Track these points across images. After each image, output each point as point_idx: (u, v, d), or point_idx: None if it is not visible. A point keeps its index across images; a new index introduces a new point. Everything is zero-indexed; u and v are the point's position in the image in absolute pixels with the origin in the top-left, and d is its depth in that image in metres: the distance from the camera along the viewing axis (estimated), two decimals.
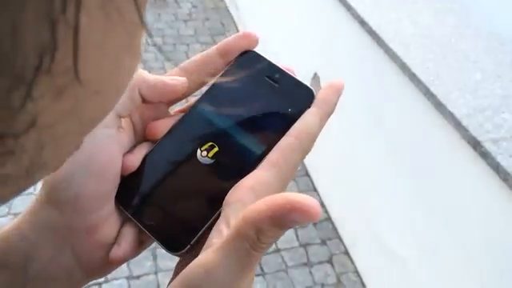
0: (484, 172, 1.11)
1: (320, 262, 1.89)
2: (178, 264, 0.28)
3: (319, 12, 2.03)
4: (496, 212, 1.14)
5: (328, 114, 0.29)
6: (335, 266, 1.87)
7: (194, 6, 3.36)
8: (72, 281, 0.29)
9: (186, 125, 0.31)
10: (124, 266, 1.79)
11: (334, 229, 2.00)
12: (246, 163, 0.28)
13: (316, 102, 0.29)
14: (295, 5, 2.30)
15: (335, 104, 0.29)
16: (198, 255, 0.24)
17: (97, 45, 0.13)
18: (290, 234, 1.96)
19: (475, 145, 1.12)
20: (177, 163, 0.30)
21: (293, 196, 0.22)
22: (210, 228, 0.26)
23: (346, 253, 1.92)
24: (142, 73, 0.30)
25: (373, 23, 1.54)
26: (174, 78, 0.30)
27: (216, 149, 0.29)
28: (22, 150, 0.13)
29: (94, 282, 1.71)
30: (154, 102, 0.30)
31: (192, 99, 0.33)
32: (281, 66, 0.31)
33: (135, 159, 0.29)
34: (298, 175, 2.20)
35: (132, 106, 0.29)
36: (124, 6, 0.13)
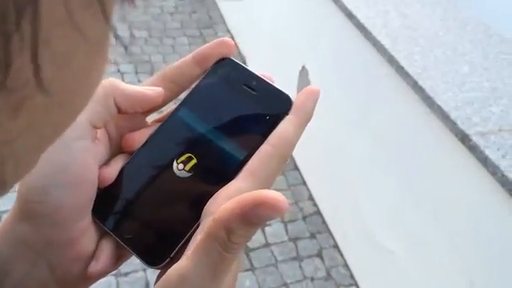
0: (472, 165, 1.11)
1: (309, 256, 1.89)
2: (158, 277, 0.27)
3: (307, 5, 2.01)
4: (484, 205, 1.15)
5: (306, 120, 0.29)
6: (325, 260, 1.88)
7: None
8: None
9: (162, 135, 0.30)
10: None
11: (324, 223, 2.00)
12: (224, 173, 0.28)
13: (293, 109, 0.29)
14: None
15: (312, 110, 0.29)
16: None
17: (60, 55, 0.13)
18: (279, 228, 1.96)
19: (463, 138, 1.12)
20: (153, 176, 0.29)
21: (259, 192, 0.23)
22: (189, 240, 0.26)
23: (336, 246, 1.92)
24: (116, 82, 0.29)
25: (360, 16, 1.53)
26: (149, 88, 0.30)
27: (194, 161, 0.29)
28: None
29: None
30: (129, 113, 0.29)
31: (169, 108, 0.32)
32: (258, 74, 0.30)
33: (111, 172, 0.29)
34: (288, 169, 2.19)
35: (107, 116, 0.28)
36: (89, 15, 0.13)
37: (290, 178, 2.16)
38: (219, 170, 0.28)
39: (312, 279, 1.82)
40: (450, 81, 1.27)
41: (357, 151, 1.71)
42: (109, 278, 1.72)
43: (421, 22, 1.53)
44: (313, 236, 1.95)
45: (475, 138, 1.09)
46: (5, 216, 0.28)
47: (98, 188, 0.28)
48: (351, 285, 1.80)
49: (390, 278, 1.60)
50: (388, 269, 1.59)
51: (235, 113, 0.30)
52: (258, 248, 1.88)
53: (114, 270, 0.29)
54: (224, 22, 3.13)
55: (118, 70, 2.55)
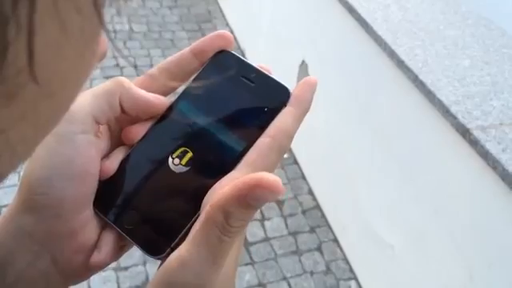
0: (473, 159, 1.11)
1: (309, 250, 1.89)
2: (159, 267, 0.27)
3: (307, 0, 2.00)
4: (484, 199, 1.15)
5: (304, 112, 0.29)
6: (324, 254, 1.88)
7: None
8: (50, 287, 0.29)
9: (160, 128, 0.30)
10: None
11: (323, 217, 2.00)
12: (223, 165, 0.28)
13: (292, 100, 0.29)
14: None
15: (310, 102, 0.29)
16: None
17: (53, 45, 0.13)
18: (279, 222, 1.96)
19: (464, 132, 1.12)
20: (151, 170, 0.29)
21: (255, 174, 0.23)
22: (189, 231, 0.26)
23: (335, 240, 1.92)
24: (124, 82, 0.29)
25: (361, 10, 1.52)
26: (155, 96, 0.30)
27: (190, 154, 0.29)
28: None
29: None
30: (131, 115, 0.30)
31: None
32: (256, 65, 0.31)
33: (112, 164, 0.29)
34: (287, 163, 2.19)
35: (110, 114, 0.29)
36: (82, 7, 0.13)
37: (289, 172, 2.16)
38: (218, 163, 0.28)
39: (312, 273, 1.82)
40: (451, 75, 1.27)
41: (357, 145, 1.71)
42: (109, 273, 1.72)
43: (422, 15, 1.53)
44: (312, 230, 1.96)
45: (476, 132, 1.09)
46: (6, 208, 0.28)
47: (99, 180, 0.29)
48: (350, 278, 1.81)
49: (389, 271, 1.60)
50: (387, 262, 1.59)
51: (234, 105, 0.30)
52: (257, 242, 1.88)
53: (116, 260, 0.30)
54: (223, 16, 3.12)
55: (117, 65, 2.54)
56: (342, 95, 1.77)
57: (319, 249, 1.90)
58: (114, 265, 1.75)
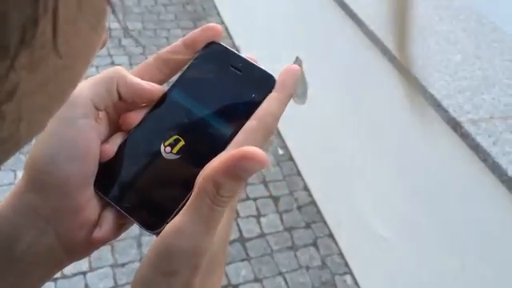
0: (464, 152, 1.12)
1: (305, 246, 1.90)
2: None
3: None
4: (475, 191, 1.16)
5: (288, 96, 0.31)
6: (320, 249, 1.89)
7: None
8: (54, 262, 0.31)
9: (155, 116, 0.32)
10: (108, 254, 1.78)
11: (318, 212, 2.02)
12: (214, 148, 0.30)
13: (276, 86, 0.31)
14: None
15: (294, 87, 0.31)
16: None
17: (72, 20, 0.15)
18: (274, 218, 1.97)
19: (455, 126, 1.13)
20: (146, 155, 0.32)
21: (241, 148, 0.25)
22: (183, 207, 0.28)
23: (331, 235, 1.93)
24: (122, 71, 0.31)
25: (353, 6, 1.53)
26: (150, 84, 0.32)
27: (182, 143, 0.31)
28: (2, 119, 0.14)
29: (79, 271, 1.70)
30: (128, 102, 0.32)
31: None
32: (243, 55, 0.33)
33: (111, 148, 0.31)
34: (283, 160, 2.20)
35: (109, 100, 0.31)
36: None
37: (285, 168, 2.17)
38: (209, 147, 0.30)
39: (307, 268, 1.83)
40: (443, 69, 1.28)
41: (350, 141, 1.72)
42: (106, 270, 1.73)
43: (414, 11, 1.53)
44: (308, 225, 1.97)
45: (467, 126, 1.11)
46: (14, 186, 0.30)
47: (99, 163, 0.31)
48: (346, 273, 1.82)
49: (384, 265, 1.61)
50: (382, 256, 1.61)
51: (223, 92, 0.32)
52: (253, 238, 1.89)
53: (116, 237, 0.32)
54: (218, 14, 3.12)
55: (112, 62, 2.55)
56: (335, 91, 1.78)
57: (315, 244, 1.91)
58: (110, 261, 1.76)
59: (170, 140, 0.31)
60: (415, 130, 1.37)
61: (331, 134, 1.86)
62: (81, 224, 0.30)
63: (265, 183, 2.10)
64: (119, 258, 1.77)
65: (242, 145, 0.28)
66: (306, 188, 2.10)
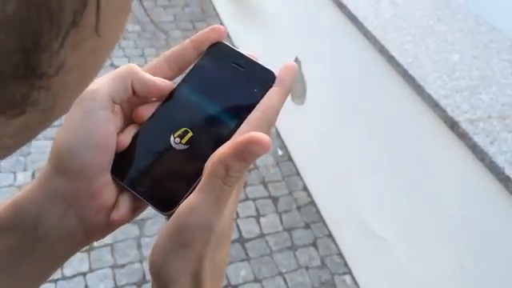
0: (461, 152, 1.13)
1: (304, 246, 1.90)
2: None
3: None
4: (473, 191, 1.16)
5: (288, 91, 0.34)
6: (319, 249, 1.90)
7: None
8: (75, 241, 0.34)
9: (165, 109, 0.35)
10: (108, 255, 1.78)
11: (318, 212, 2.02)
12: (220, 138, 0.32)
13: (276, 82, 0.34)
14: None
15: (292, 82, 0.34)
16: None
17: (108, 5, 0.16)
18: (274, 219, 1.98)
19: (452, 125, 1.13)
20: (157, 145, 0.35)
21: (248, 133, 0.28)
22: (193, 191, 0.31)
23: (330, 236, 1.94)
24: (135, 68, 0.34)
25: (351, 6, 1.54)
26: (162, 80, 0.35)
27: (190, 134, 0.33)
28: (48, 91, 0.16)
29: (79, 272, 1.70)
30: (141, 97, 0.35)
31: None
32: (245, 53, 0.35)
33: (126, 138, 0.34)
34: (282, 160, 2.21)
35: (124, 95, 0.34)
36: None
37: (284, 169, 2.18)
38: (215, 137, 0.33)
39: (307, 268, 1.84)
40: (440, 69, 1.29)
41: (349, 141, 1.73)
42: (106, 270, 1.74)
43: (412, 11, 1.54)
44: (307, 226, 1.97)
45: (464, 125, 1.11)
46: (40, 171, 0.34)
47: (116, 152, 0.34)
48: (345, 273, 1.83)
49: (383, 264, 1.62)
50: (381, 256, 1.61)
51: (227, 88, 0.35)
52: (253, 238, 1.90)
53: (132, 219, 0.35)
54: (217, 15, 3.13)
55: (112, 64, 2.55)
56: (334, 91, 1.79)
57: (314, 244, 1.91)
58: (110, 262, 1.76)
59: (179, 132, 0.34)
60: (414, 131, 1.37)
61: (330, 134, 1.86)
62: (99, 207, 0.33)
63: (264, 184, 2.11)
64: (119, 259, 1.78)
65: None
66: (305, 188, 2.11)
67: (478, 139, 1.08)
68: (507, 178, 1.00)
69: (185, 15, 3.09)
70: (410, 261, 1.45)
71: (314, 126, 1.96)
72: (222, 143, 0.31)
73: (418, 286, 1.44)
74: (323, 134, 1.91)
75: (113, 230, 0.35)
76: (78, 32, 0.15)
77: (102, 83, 0.33)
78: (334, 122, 1.83)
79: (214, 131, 0.33)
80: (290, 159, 2.21)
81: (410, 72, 1.27)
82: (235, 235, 1.90)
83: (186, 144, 0.33)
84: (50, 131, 1.53)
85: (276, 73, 0.34)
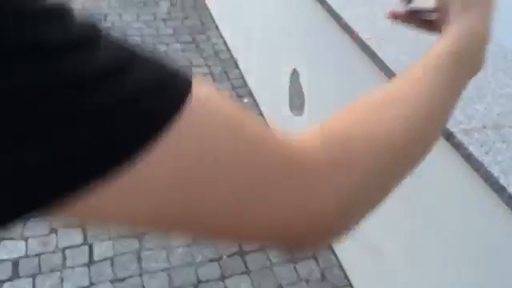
0: (456, 162, 1.13)
1: (304, 258, 1.89)
2: None
3: (296, 10, 2.03)
4: (469, 201, 1.16)
5: None
6: (319, 262, 1.88)
7: (173, 5, 3.34)
8: None
9: None
10: (108, 268, 1.78)
11: None
12: None
13: None
14: (273, 2, 2.30)
15: None
16: None
17: None
18: None
19: (448, 136, 1.13)
20: None
21: None
22: None
23: (330, 248, 1.93)
24: None
25: (347, 18, 1.55)
26: None
27: None
28: None
29: (79, 286, 1.69)
30: None
31: None
32: None
33: None
34: None
35: None
36: None
37: None
38: None
39: (307, 281, 1.83)
40: None
41: None
42: (105, 285, 1.73)
43: None
44: None
45: (459, 136, 1.11)
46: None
47: None
48: (346, 286, 1.81)
49: (382, 277, 1.61)
50: (381, 268, 1.60)
51: None
52: (253, 251, 1.89)
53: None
54: (216, 28, 3.15)
55: None
56: (332, 103, 1.79)
57: (314, 257, 1.90)
58: (110, 276, 1.76)
59: None
60: None
61: None
62: None
63: None
64: (119, 272, 1.77)
65: None
66: None
67: (473, 149, 1.07)
68: (502, 187, 0.99)
69: (184, 28, 3.11)
70: (409, 273, 1.44)
71: None
72: None
73: None
74: None
75: None
76: None
77: None
78: None
79: None
80: None
81: None
82: (234, 248, 1.89)
83: None
84: None
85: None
